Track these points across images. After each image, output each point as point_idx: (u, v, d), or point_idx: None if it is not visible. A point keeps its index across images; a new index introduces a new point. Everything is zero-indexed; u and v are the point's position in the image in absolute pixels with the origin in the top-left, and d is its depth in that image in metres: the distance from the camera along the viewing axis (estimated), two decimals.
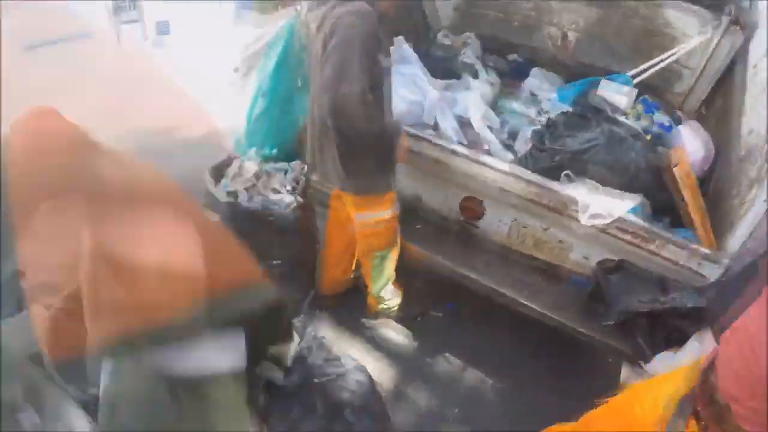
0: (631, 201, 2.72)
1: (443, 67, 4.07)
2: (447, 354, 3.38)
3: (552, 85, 4.03)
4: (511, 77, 4.30)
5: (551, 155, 2.94)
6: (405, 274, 3.17)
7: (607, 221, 2.66)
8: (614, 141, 2.90)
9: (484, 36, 4.54)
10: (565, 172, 2.84)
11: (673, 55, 3.73)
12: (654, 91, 3.94)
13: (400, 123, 2.79)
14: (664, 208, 2.90)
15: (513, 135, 3.48)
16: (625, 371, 3.20)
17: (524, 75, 4.18)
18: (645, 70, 3.79)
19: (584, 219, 2.68)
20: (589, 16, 4.19)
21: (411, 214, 3.23)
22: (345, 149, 2.58)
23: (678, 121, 3.61)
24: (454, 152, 2.93)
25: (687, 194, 2.70)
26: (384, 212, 2.76)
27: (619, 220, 2.67)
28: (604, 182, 2.82)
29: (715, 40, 3.64)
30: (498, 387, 3.27)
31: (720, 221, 2.71)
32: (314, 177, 3.23)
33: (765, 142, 2.58)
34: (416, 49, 3.86)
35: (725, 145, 3.12)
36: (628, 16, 4.03)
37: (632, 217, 2.69)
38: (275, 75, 3.44)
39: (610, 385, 3.22)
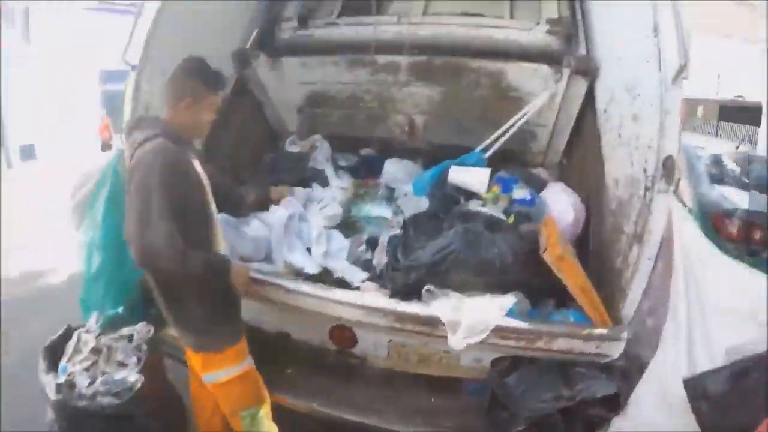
0: (504, 304, 2.45)
1: (294, 176, 3.83)
2: None
3: (408, 174, 3.87)
4: (366, 173, 4.13)
5: (406, 272, 2.64)
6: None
7: (481, 337, 2.37)
8: (471, 240, 2.63)
9: (333, 135, 4.35)
10: (426, 288, 2.54)
11: (521, 117, 3.68)
12: (512, 156, 3.88)
13: (226, 259, 2.43)
14: (546, 290, 2.68)
15: (373, 242, 3.19)
16: None
17: (379, 168, 4.02)
18: (498, 138, 3.71)
19: (455, 342, 2.37)
20: (432, 97, 4.09)
21: (280, 354, 2.92)
22: (168, 302, 2.30)
23: (541, 186, 3.47)
24: (300, 292, 2.64)
25: (564, 277, 2.46)
26: (231, 369, 2.39)
27: (495, 328, 2.39)
28: (469, 288, 2.58)
29: (561, 93, 3.60)
30: None
31: (610, 288, 2.54)
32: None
33: (638, 195, 2.44)
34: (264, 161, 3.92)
35: (595, 200, 3.01)
36: (471, 89, 3.94)
37: (510, 321, 2.42)
38: (105, 223, 2.96)
39: None
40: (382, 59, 3.99)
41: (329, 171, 3.96)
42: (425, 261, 2.60)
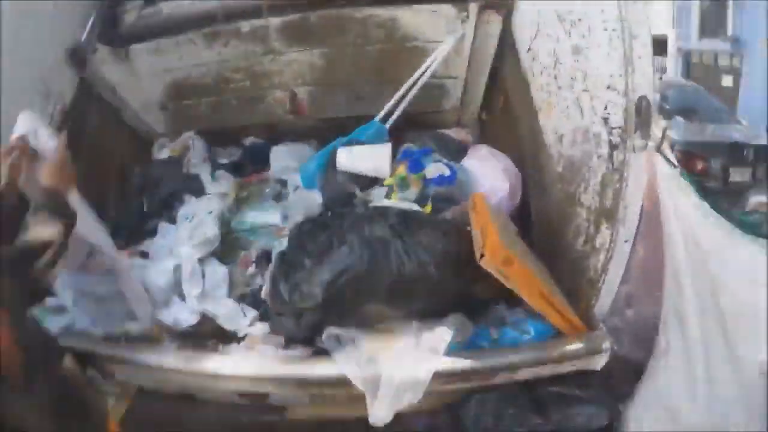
0: (438, 345, 1.80)
1: (163, 192, 3.19)
2: None
3: (301, 159, 3.21)
4: (253, 167, 3.47)
5: (296, 314, 1.94)
6: None
7: (417, 398, 1.75)
8: (375, 255, 1.92)
9: (207, 129, 3.66)
10: (326, 333, 1.85)
11: (426, 71, 3.10)
12: (421, 119, 3.33)
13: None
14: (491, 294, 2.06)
15: (265, 258, 2.49)
16: None
17: (268, 158, 3.39)
18: (400, 101, 3.15)
19: (378, 416, 1.71)
20: (313, 63, 3.38)
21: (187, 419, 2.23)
22: None
23: (461, 154, 2.88)
24: (156, 368, 2.01)
25: (515, 285, 1.87)
26: None
27: (435, 374, 1.78)
28: (387, 319, 1.97)
29: (470, 36, 3.03)
30: None
31: (571, 275, 2.07)
32: None
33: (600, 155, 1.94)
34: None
35: (531, 160, 2.56)
36: (360, 45, 3.27)
37: (452, 361, 1.83)
38: None
39: None
40: (244, 26, 3.28)
41: (204, 174, 3.28)
42: (317, 296, 1.89)
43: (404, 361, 1.77)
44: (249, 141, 3.71)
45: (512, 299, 2.05)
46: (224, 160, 3.54)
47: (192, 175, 3.26)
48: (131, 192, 3.36)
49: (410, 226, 2.02)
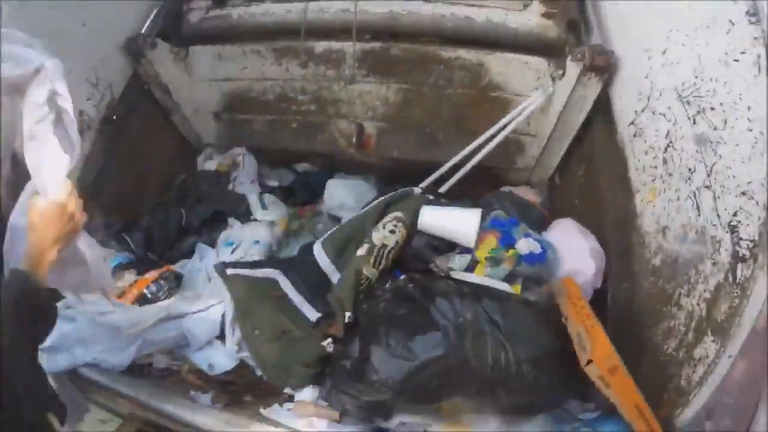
0: None
1: (205, 211, 3.08)
2: None
3: (358, 197, 3.11)
4: (306, 198, 3.39)
5: (362, 402, 1.71)
6: None
7: None
8: (470, 344, 1.68)
9: (260, 148, 3.56)
10: (398, 423, 1.62)
11: (508, 125, 2.91)
12: (489, 172, 3.20)
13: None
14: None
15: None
16: None
17: (321, 188, 3.30)
18: (476, 152, 2.99)
19: None
20: (388, 97, 3.20)
21: None
22: None
23: (541, 221, 2.75)
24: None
25: (613, 395, 1.68)
26: None
27: None
28: (467, 414, 1.75)
29: (562, 96, 2.78)
30: None
31: (655, 376, 1.85)
32: None
33: (706, 258, 1.70)
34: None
35: (619, 241, 2.31)
36: (441, 87, 3.09)
37: None
38: None
39: None
40: (320, 46, 3.13)
41: (252, 197, 3.15)
42: (396, 383, 1.65)
43: None
44: (302, 167, 3.60)
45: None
46: (274, 183, 3.45)
47: (239, 195, 3.16)
48: (170, 201, 3.28)
49: (507, 313, 1.78)
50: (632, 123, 2.32)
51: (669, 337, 1.84)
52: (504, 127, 2.90)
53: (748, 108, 1.57)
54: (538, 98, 2.82)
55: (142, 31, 3.19)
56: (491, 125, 2.94)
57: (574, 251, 2.33)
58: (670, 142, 2.00)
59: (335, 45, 3.10)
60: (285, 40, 3.16)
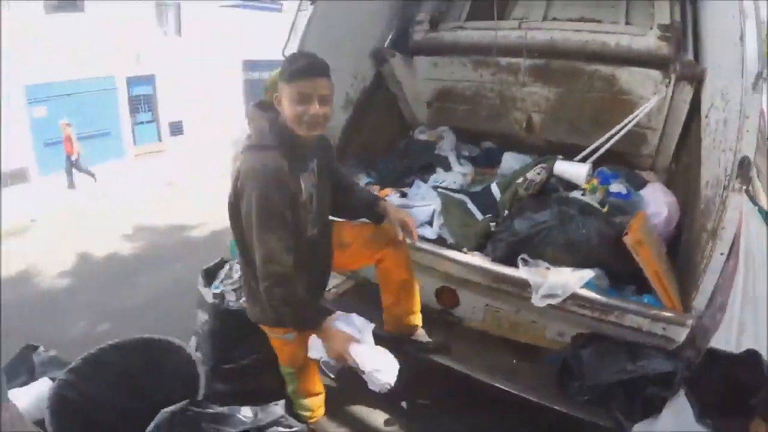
0: (582, 277, 2.78)
1: (421, 161, 4.36)
2: None
3: (523, 166, 4.09)
4: (486, 164, 4.53)
5: (507, 242, 3.05)
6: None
7: (560, 299, 2.73)
8: (564, 220, 2.95)
9: (458, 128, 4.82)
10: (521, 257, 2.92)
11: (632, 120, 3.85)
12: (622, 158, 4.03)
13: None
14: (628, 276, 2.86)
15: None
16: None
17: (498, 160, 4.36)
18: (609, 139, 3.89)
19: (536, 300, 2.75)
20: (549, 98, 4.37)
21: None
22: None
23: (642, 185, 3.66)
24: (418, 248, 3.07)
25: (641, 261, 2.71)
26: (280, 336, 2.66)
27: (573, 296, 2.74)
28: (559, 262, 2.88)
29: (672, 97, 3.72)
30: None
31: (688, 279, 2.69)
32: None
33: (719, 194, 2.58)
34: (396, 147, 4.48)
35: (691, 201, 3.11)
36: (586, 92, 4.18)
37: (585, 292, 2.75)
38: None
39: None
40: (503, 61, 4.36)
41: (452, 158, 4.39)
42: (523, 233, 3.02)
43: (560, 278, 2.77)
44: (486, 144, 4.80)
45: (640, 289, 2.90)
46: (465, 153, 4.65)
47: (442, 156, 4.40)
48: (395, 156, 4.53)
49: (589, 212, 3.05)
50: (706, 116, 3.16)
51: (698, 253, 2.71)
52: (630, 121, 3.85)
53: (737, 97, 2.51)
54: (654, 100, 3.77)
55: (385, 45, 4.66)
56: (621, 120, 3.89)
57: (654, 201, 3.32)
58: (717, 126, 2.89)
59: (513, 60, 4.33)
60: (480, 56, 4.45)
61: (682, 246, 3.12)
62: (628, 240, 2.73)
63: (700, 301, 2.50)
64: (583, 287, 2.76)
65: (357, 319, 2.40)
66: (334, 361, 2.32)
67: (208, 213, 7.00)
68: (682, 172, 3.74)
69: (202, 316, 3.21)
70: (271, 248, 2.20)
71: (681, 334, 2.56)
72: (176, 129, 17.54)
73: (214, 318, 3.14)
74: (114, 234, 6.81)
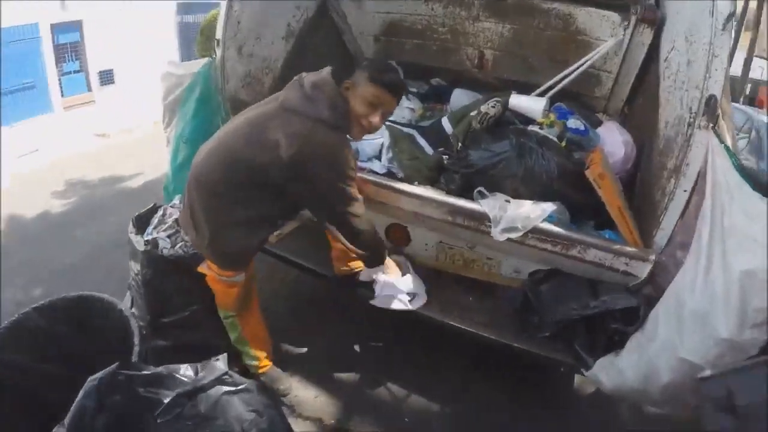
0: (544, 209, 2.68)
1: None
2: (389, 383, 3.32)
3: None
4: (435, 100, 4.39)
5: (463, 174, 2.91)
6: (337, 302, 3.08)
7: (521, 233, 2.63)
8: (523, 152, 2.83)
9: (406, 63, 4.57)
10: (477, 189, 2.81)
11: (587, 61, 3.79)
12: (576, 98, 3.98)
13: None
14: (587, 211, 2.86)
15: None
16: (578, 378, 3.27)
17: (447, 97, 4.24)
18: (563, 79, 3.84)
19: (496, 234, 2.64)
20: (503, 33, 4.27)
21: None
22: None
23: (597, 124, 3.61)
24: (367, 181, 2.96)
25: (603, 195, 2.65)
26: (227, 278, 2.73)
27: (535, 229, 2.65)
28: (518, 194, 2.80)
29: (627, 41, 3.71)
30: (445, 413, 3.18)
31: (648, 219, 2.67)
32: None
33: (682, 133, 2.54)
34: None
35: (647, 142, 3.09)
36: (541, 29, 4.10)
37: (547, 225, 2.66)
38: (194, 121, 3.42)
39: (563, 396, 3.30)
40: None
41: None
42: (480, 164, 2.87)
43: (518, 211, 2.66)
44: (435, 81, 4.63)
45: (598, 225, 2.87)
46: (414, 90, 4.47)
47: None
48: None
49: (549, 146, 2.94)
50: (666, 59, 3.13)
51: (658, 191, 2.66)
52: (585, 62, 3.79)
53: (704, 37, 2.46)
54: (611, 42, 3.72)
55: None
56: (576, 60, 3.84)
57: (611, 140, 3.24)
58: (678, 67, 2.84)
59: None
60: None
61: (638, 186, 3.10)
62: (590, 173, 2.66)
63: (660, 237, 2.49)
64: (544, 221, 2.68)
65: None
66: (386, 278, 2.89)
67: (142, 163, 6.87)
68: (636, 115, 3.74)
69: (134, 267, 3.01)
70: (358, 210, 2.50)
71: (644, 270, 2.55)
72: (106, 78, 16.67)
73: (147, 267, 2.94)
74: (45, 191, 6.48)
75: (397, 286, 2.86)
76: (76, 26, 15.67)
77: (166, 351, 2.93)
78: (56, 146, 9.50)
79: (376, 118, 2.41)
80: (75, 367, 2.02)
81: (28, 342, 2.36)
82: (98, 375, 1.81)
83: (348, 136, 2.45)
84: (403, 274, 2.95)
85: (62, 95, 15.46)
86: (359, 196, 2.47)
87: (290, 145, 2.22)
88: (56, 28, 15.17)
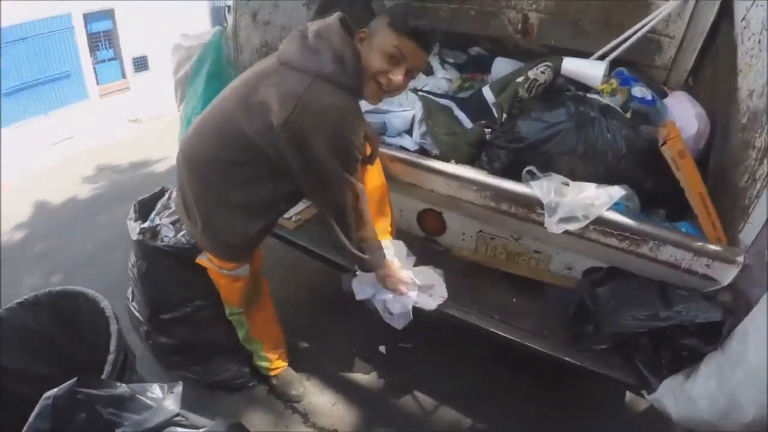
0: (611, 196, 2.20)
1: None
2: (417, 392, 3.02)
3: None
4: (475, 69, 3.96)
5: (510, 150, 2.46)
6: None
7: (582, 225, 2.17)
8: (583, 123, 2.38)
9: (442, 31, 4.04)
10: (527, 169, 2.37)
11: (647, 24, 3.33)
12: (633, 68, 3.48)
13: None
14: (658, 198, 2.42)
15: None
16: (631, 399, 2.91)
17: (488, 67, 3.82)
18: (619, 45, 3.37)
19: (552, 225, 2.19)
20: None
21: None
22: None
23: (663, 95, 3.16)
24: (396, 159, 2.59)
25: (683, 177, 2.19)
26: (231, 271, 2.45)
27: (599, 220, 2.19)
28: (577, 176, 2.34)
29: (693, 2, 3.24)
30: (477, 428, 2.86)
31: (728, 208, 2.21)
32: None
33: None
34: None
35: (722, 115, 2.66)
36: None
37: (615, 216, 2.19)
38: (206, 96, 3.08)
39: (612, 419, 2.88)
40: None
41: (435, 63, 3.85)
42: (531, 137, 2.41)
43: (580, 198, 2.19)
44: (474, 50, 4.19)
45: (671, 215, 2.45)
46: (450, 60, 4.05)
47: None
48: None
49: (613, 115, 2.46)
50: (744, 18, 2.70)
51: (744, 174, 2.23)
52: (645, 25, 3.33)
53: None
54: (672, 3, 3.27)
55: None
56: (633, 23, 3.37)
57: (682, 113, 2.81)
58: (764, 25, 2.40)
59: None
60: None
61: (713, 170, 2.61)
62: (668, 150, 2.20)
63: (747, 233, 2.01)
64: (610, 209, 2.20)
65: (397, 246, 2.51)
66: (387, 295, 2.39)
67: (171, 146, 6.69)
68: (705, 88, 3.24)
69: (132, 257, 2.77)
70: (348, 198, 2.06)
71: (728, 275, 2.05)
72: (140, 64, 16.91)
73: (141, 258, 2.69)
74: (74, 177, 6.51)
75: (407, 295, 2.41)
76: (108, 15, 16.03)
77: (169, 349, 2.84)
78: (90, 133, 9.60)
79: (398, 76, 1.95)
80: (64, 369, 1.84)
81: (11, 340, 2.20)
82: (54, 392, 1.56)
83: (361, 98, 2.03)
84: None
85: (98, 83, 15.69)
86: (360, 186, 2.08)
87: (282, 107, 1.85)
88: (88, 17, 15.45)
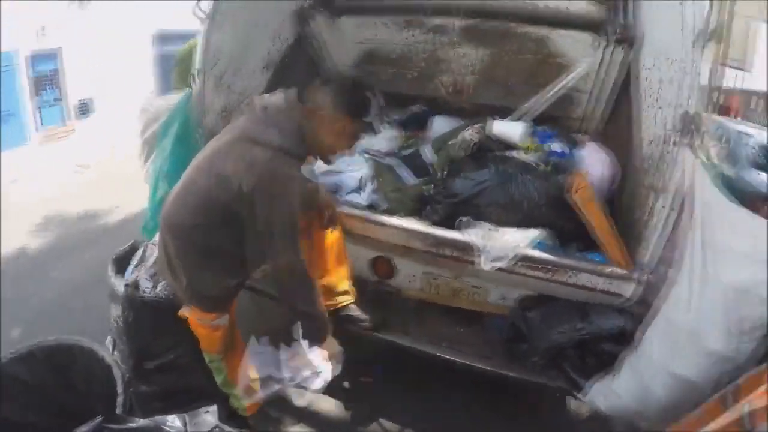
0: (529, 237, 2.67)
1: None
2: (381, 419, 3.24)
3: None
4: (414, 127, 4.32)
5: (446, 204, 2.90)
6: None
7: (509, 262, 2.60)
8: (505, 179, 2.86)
9: (385, 92, 4.57)
10: (460, 219, 2.80)
11: (563, 83, 3.74)
12: (554, 120, 3.93)
13: None
14: (573, 234, 2.83)
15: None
16: (573, 403, 3.22)
17: (425, 124, 4.23)
18: (541, 102, 3.80)
19: (484, 263, 2.61)
20: (479, 58, 4.25)
21: None
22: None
23: (578, 145, 3.58)
24: (351, 215, 2.95)
25: (590, 218, 2.66)
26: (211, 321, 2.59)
27: (524, 257, 2.62)
28: (502, 222, 2.80)
29: (605, 60, 3.65)
30: None
31: (633, 237, 2.67)
32: None
33: (666, 151, 2.53)
34: None
35: (628, 161, 3.09)
36: (517, 53, 4.08)
37: (536, 252, 2.64)
38: (173, 156, 3.29)
39: (559, 421, 3.24)
40: (433, 21, 4.17)
41: (376, 124, 4.18)
42: (463, 193, 2.87)
43: (507, 238, 2.65)
44: (417, 107, 4.55)
45: (584, 248, 2.83)
46: (395, 117, 4.44)
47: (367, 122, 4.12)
48: None
49: (530, 171, 2.94)
50: (647, 78, 3.04)
51: (640, 208, 2.67)
52: (562, 84, 3.72)
53: (682, 58, 2.46)
54: (585, 63, 3.67)
55: (307, 5, 4.22)
56: (553, 82, 3.77)
57: (593, 160, 3.22)
58: (659, 86, 2.80)
59: (444, 20, 4.14)
60: (408, 16, 4.22)
61: (619, 206, 3.07)
62: (576, 197, 2.66)
63: (645, 255, 2.51)
64: (534, 247, 2.68)
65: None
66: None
67: (121, 197, 6.60)
68: (614, 134, 3.70)
69: (115, 310, 2.91)
70: (295, 262, 2.28)
71: (628, 289, 2.56)
72: (85, 108, 16.37)
73: (128, 310, 2.83)
74: (23, 227, 6.25)
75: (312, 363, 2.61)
76: (54, 55, 15.41)
77: (151, 397, 2.83)
78: (35, 177, 9.21)
79: (349, 150, 2.44)
80: (59, 418, 1.98)
81: (7, 393, 2.25)
82: (83, 429, 1.73)
83: (311, 165, 2.48)
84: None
85: (42, 124, 15.13)
86: (301, 253, 2.30)
87: (250, 175, 2.13)
88: (34, 59, 14.88)
